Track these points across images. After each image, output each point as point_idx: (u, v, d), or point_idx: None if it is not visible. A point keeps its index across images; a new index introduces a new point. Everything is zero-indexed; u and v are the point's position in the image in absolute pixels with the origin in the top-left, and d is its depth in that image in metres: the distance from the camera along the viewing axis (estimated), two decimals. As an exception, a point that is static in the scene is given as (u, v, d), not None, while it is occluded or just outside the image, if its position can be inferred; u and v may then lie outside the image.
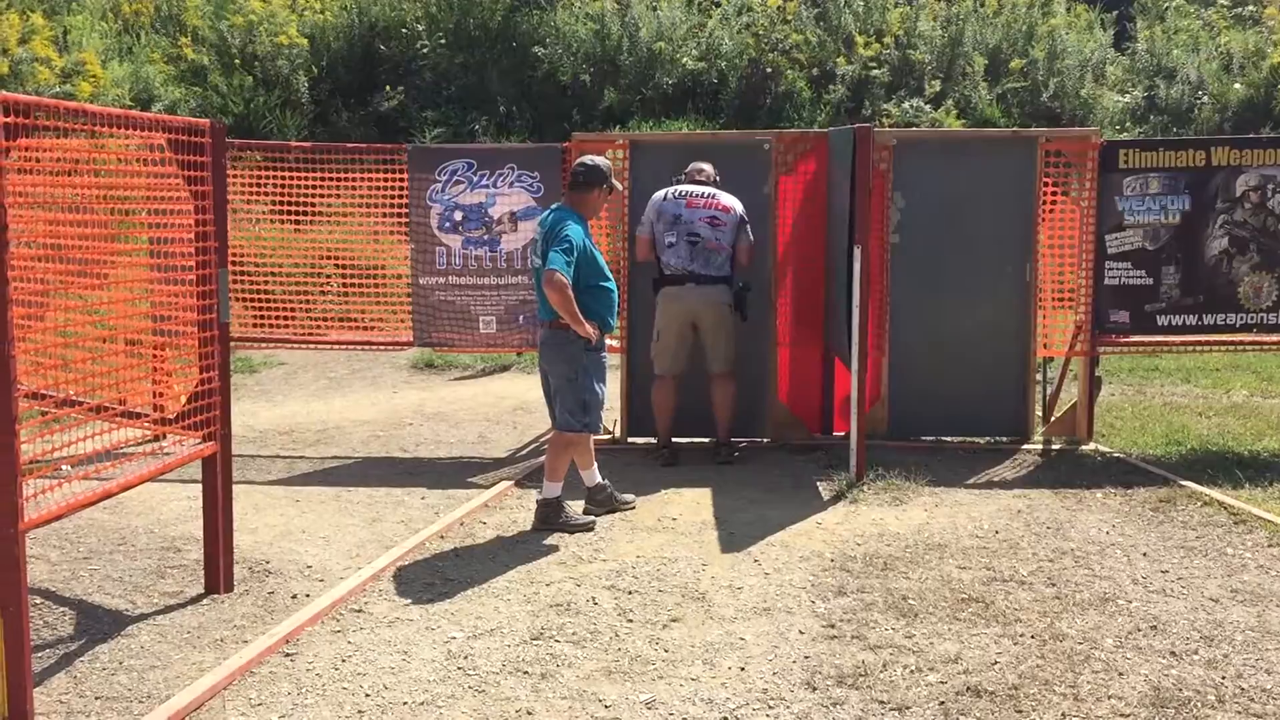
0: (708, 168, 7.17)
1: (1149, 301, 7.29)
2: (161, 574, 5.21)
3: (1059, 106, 16.79)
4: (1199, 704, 3.89)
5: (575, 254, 5.61)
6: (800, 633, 4.51)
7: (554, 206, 5.95)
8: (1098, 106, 17.01)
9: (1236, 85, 17.61)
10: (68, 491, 3.98)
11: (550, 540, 5.70)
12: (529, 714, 3.84)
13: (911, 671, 4.14)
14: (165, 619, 4.68)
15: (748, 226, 7.05)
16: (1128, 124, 17.02)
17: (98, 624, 4.62)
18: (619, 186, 6.31)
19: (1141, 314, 7.31)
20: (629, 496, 6.29)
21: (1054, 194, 7.47)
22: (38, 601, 4.78)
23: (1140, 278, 7.28)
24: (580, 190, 5.88)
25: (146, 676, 4.13)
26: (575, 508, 6.01)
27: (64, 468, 4.17)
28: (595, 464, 6.12)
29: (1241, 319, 7.31)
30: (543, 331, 5.88)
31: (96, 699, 3.95)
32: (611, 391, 6.68)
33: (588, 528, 5.83)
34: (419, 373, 10.54)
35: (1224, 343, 7.61)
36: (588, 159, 5.98)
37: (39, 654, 4.26)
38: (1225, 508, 6.11)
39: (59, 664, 4.23)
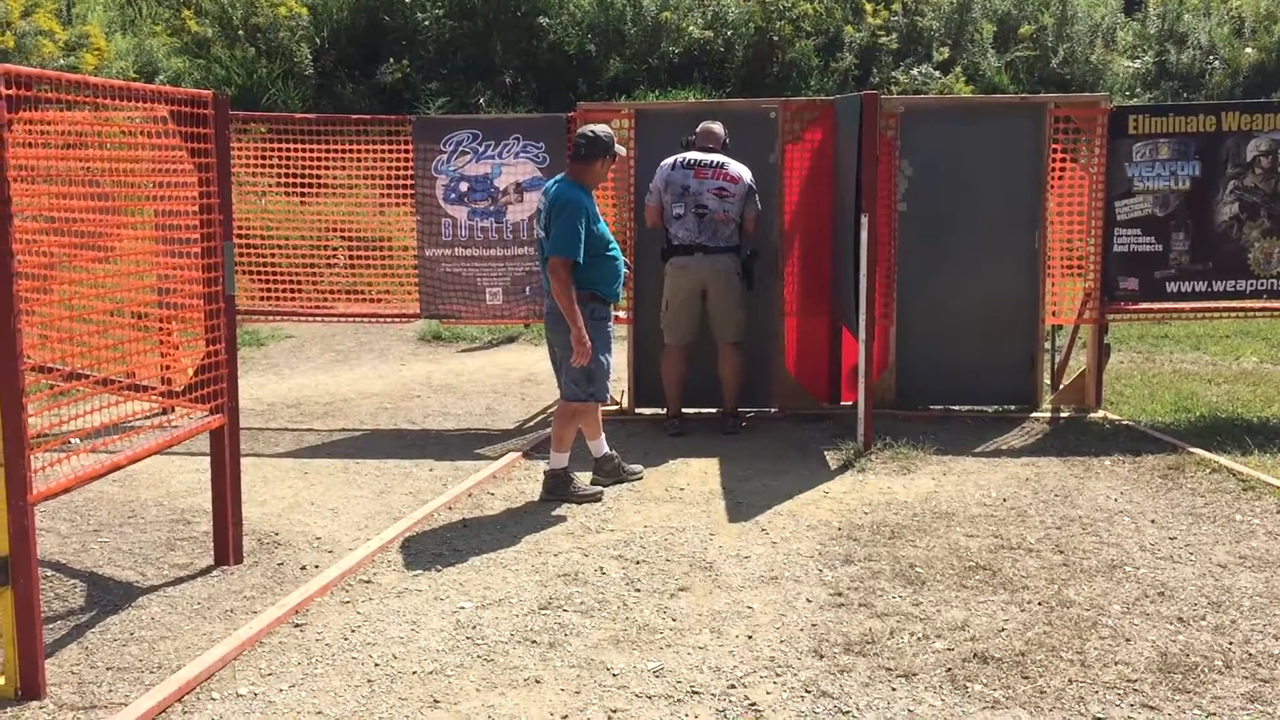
0: (718, 128, 7.11)
1: (1158, 268, 7.25)
2: (171, 546, 5.24)
3: (1068, 73, 16.68)
4: (1206, 669, 3.89)
5: (581, 234, 5.58)
6: (808, 601, 4.52)
7: (557, 178, 5.90)
8: (1108, 72, 16.89)
9: (1248, 49, 17.47)
10: (76, 464, 4.00)
11: (558, 511, 5.71)
12: (537, 683, 3.86)
13: (919, 639, 4.15)
14: (175, 590, 4.70)
15: (756, 196, 7.02)
16: (1138, 90, 16.90)
17: (108, 596, 4.65)
18: (623, 151, 6.21)
19: (1151, 281, 7.27)
20: (636, 467, 6.30)
21: (1063, 161, 7.42)
22: (48, 574, 4.81)
23: (1150, 244, 7.24)
24: (583, 162, 5.79)
25: (157, 647, 4.15)
26: (583, 479, 6.02)
27: (72, 441, 4.19)
28: (603, 434, 6.13)
29: (1252, 285, 7.27)
30: (548, 302, 5.85)
31: (108, 670, 3.98)
32: (618, 362, 6.67)
33: (595, 498, 5.85)
34: (426, 345, 10.55)
35: (1234, 309, 7.57)
36: (588, 130, 5.85)
37: (50, 626, 4.29)
38: (1234, 474, 6.10)
39: (70, 635, 4.26)
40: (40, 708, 3.70)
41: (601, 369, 5.83)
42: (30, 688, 3.74)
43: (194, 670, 3.88)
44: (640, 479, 6.22)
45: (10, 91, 3.55)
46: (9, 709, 3.68)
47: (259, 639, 4.20)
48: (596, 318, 5.74)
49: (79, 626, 4.34)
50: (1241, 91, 16.81)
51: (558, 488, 5.86)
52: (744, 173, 6.97)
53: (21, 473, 3.65)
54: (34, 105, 3.84)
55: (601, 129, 5.86)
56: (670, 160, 7.03)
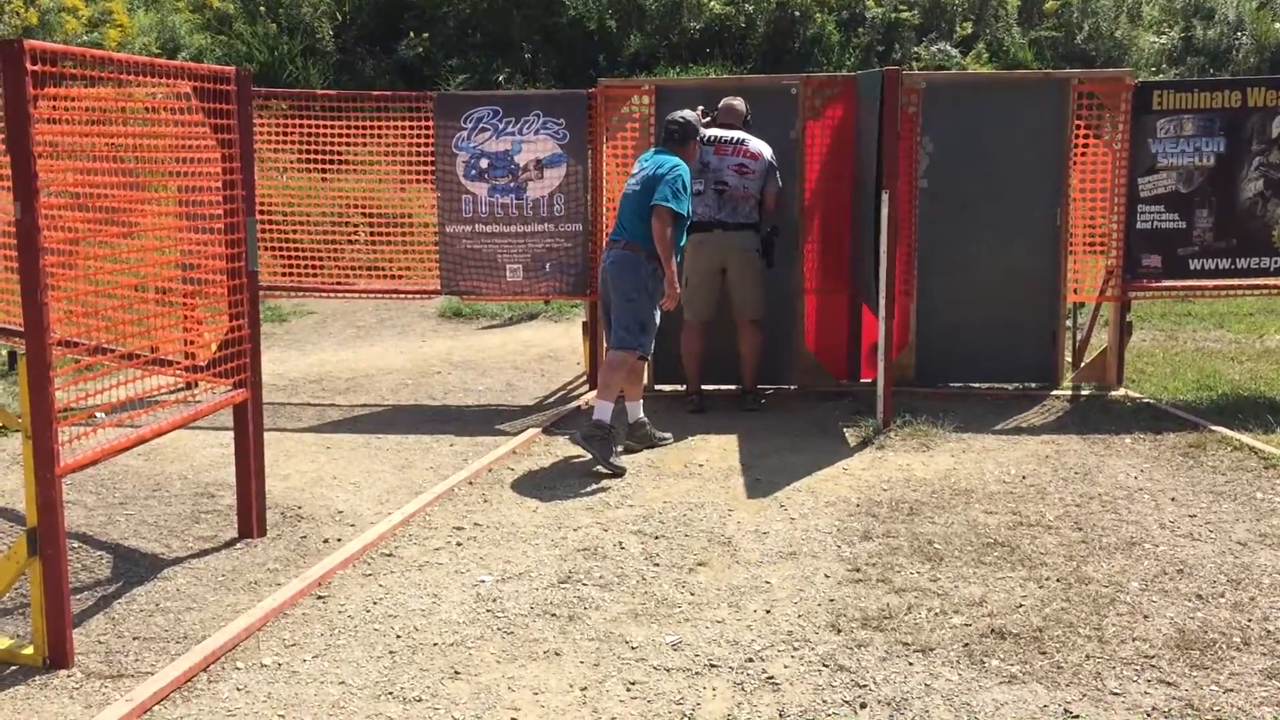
0: (739, 105, 7.11)
1: (1181, 245, 7.21)
2: (196, 519, 5.30)
3: (1093, 49, 16.53)
4: (1224, 646, 3.89)
5: (686, 194, 6.11)
6: (826, 576, 4.54)
7: (654, 150, 6.42)
8: (1133, 48, 16.72)
9: (1277, 24, 17.26)
10: (102, 437, 4.04)
11: (577, 486, 5.74)
12: (557, 655, 3.90)
13: (936, 614, 4.17)
14: (200, 562, 4.76)
15: (776, 172, 7.01)
16: (1163, 66, 16.73)
17: (134, 567, 4.71)
18: (705, 133, 6.76)
19: (1174, 258, 7.23)
20: (666, 434, 6.50)
21: (1086, 137, 7.36)
22: (75, 545, 4.88)
23: (1173, 221, 7.19)
24: (680, 145, 6.31)
25: (183, 618, 4.21)
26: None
27: (98, 414, 4.23)
28: (642, 400, 6.38)
29: (1276, 263, 7.21)
30: (614, 252, 6.20)
31: (134, 640, 4.04)
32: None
33: (618, 473, 5.88)
34: (447, 321, 10.59)
35: (1258, 287, 7.52)
36: (679, 116, 6.37)
37: (77, 596, 4.35)
38: (1255, 452, 6.07)
39: (97, 606, 4.32)
40: (68, 676, 3.76)
41: (653, 323, 6.19)
42: (58, 657, 3.80)
43: (219, 640, 3.94)
44: (669, 443, 6.40)
45: (36, 67, 3.58)
46: (37, 677, 3.75)
47: (282, 610, 4.25)
48: (657, 277, 6.08)
49: (106, 597, 4.40)
50: (1269, 67, 16.62)
51: (597, 440, 5.93)
52: (764, 149, 6.96)
53: (49, 445, 3.70)
54: (58, 81, 3.87)
55: (690, 114, 6.43)
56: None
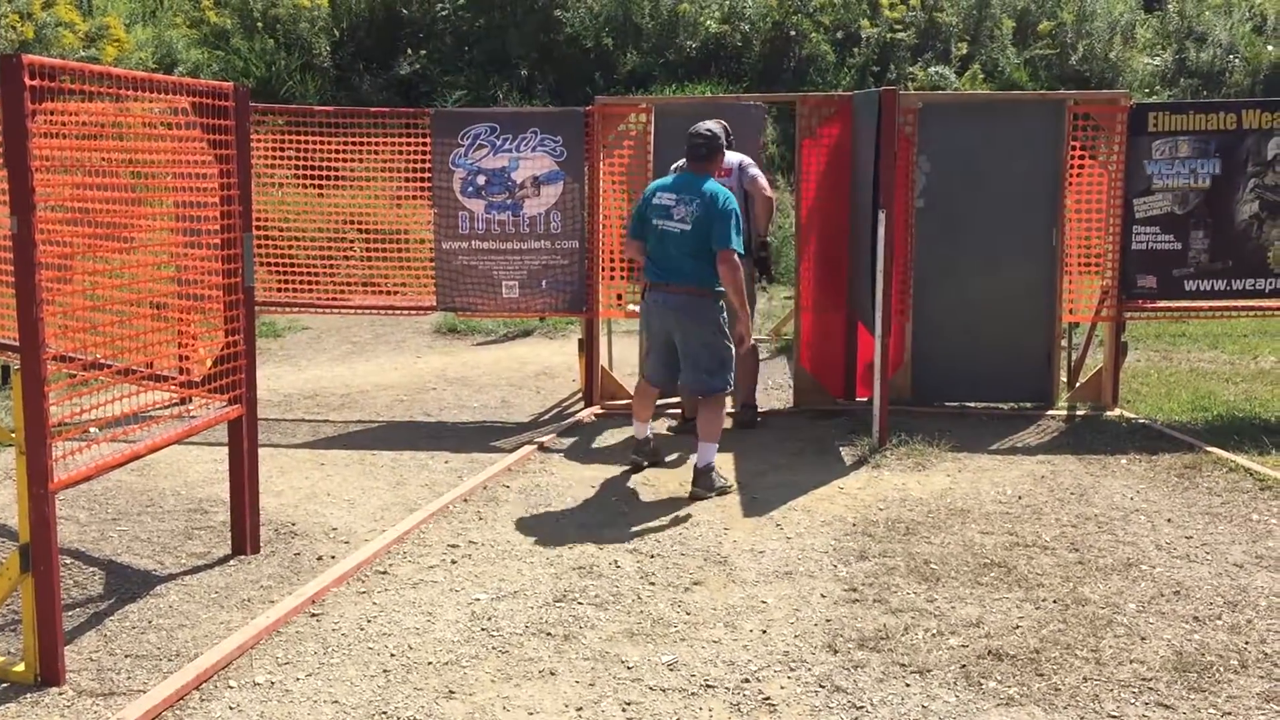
0: (715, 128, 7.05)
1: (1177, 266, 7.22)
2: (189, 535, 5.27)
3: (1088, 70, 16.61)
4: (1221, 668, 3.88)
5: (740, 224, 5.77)
6: (822, 596, 4.52)
7: (687, 174, 5.98)
8: (1127, 69, 16.81)
9: (1269, 47, 17.36)
10: (96, 453, 4.02)
11: (572, 504, 5.73)
12: (552, 674, 3.88)
13: (933, 635, 4.15)
14: (193, 579, 4.74)
15: (751, 169, 6.88)
16: (1157, 87, 16.81)
17: (127, 584, 4.69)
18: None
19: (1169, 279, 7.24)
20: (671, 457, 6.50)
21: (1081, 157, 7.39)
22: (68, 562, 4.85)
23: (1168, 242, 7.21)
24: (705, 161, 5.95)
25: (175, 635, 4.18)
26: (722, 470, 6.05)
27: (92, 430, 4.21)
28: (651, 421, 6.36)
29: (1271, 284, 7.22)
30: (678, 297, 5.81)
31: (126, 657, 4.01)
32: (630, 358, 6.68)
33: (725, 490, 5.87)
34: (442, 337, 10.57)
35: (1253, 308, 7.54)
36: (704, 129, 5.97)
37: (69, 613, 4.32)
38: (1251, 474, 6.07)
39: (89, 623, 4.29)
40: (59, 694, 3.73)
41: (733, 357, 5.99)
42: (50, 674, 3.78)
43: (212, 658, 3.91)
44: (669, 461, 6.44)
45: (34, 82, 3.57)
46: (29, 695, 3.72)
47: (276, 628, 4.22)
48: (728, 311, 5.89)
49: (98, 614, 4.37)
50: (1262, 89, 16.72)
51: (701, 484, 5.84)
52: (734, 158, 6.81)
53: (42, 461, 3.68)
54: (56, 96, 3.86)
55: (715, 125, 6.06)
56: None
